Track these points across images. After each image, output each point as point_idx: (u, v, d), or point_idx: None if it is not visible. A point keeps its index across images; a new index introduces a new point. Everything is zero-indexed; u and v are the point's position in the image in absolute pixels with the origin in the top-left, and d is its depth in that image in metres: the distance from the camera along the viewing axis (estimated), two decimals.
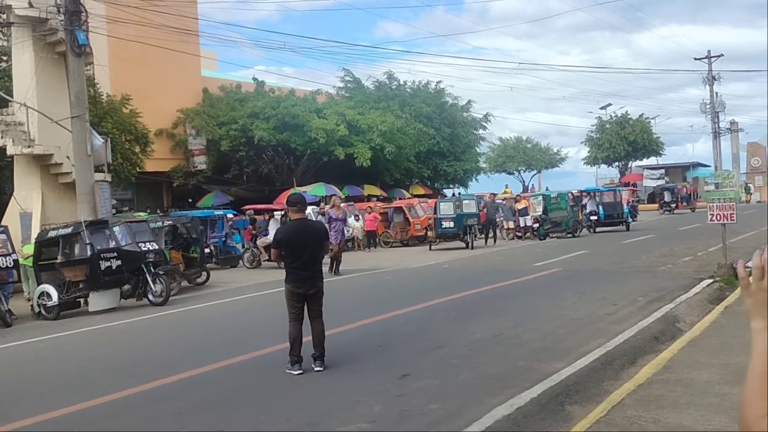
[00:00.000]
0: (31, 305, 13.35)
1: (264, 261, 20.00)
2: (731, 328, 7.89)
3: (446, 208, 24.09)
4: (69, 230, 13.36)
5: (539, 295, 11.91)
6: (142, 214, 21.76)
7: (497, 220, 26.90)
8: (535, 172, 58.47)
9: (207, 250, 18.42)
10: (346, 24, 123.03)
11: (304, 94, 34.82)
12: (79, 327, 11.61)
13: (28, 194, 17.67)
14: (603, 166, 56.73)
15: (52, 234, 13.63)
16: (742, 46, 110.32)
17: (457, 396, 6.11)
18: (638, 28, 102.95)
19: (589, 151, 55.41)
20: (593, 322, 9.12)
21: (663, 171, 52.51)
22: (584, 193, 30.16)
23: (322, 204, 27.18)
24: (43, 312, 12.88)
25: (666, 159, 56.71)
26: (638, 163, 56.07)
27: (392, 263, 19.55)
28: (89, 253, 12.79)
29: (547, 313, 10.03)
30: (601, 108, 56.18)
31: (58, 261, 13.32)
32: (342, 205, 27.86)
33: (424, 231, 26.38)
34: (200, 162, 32.73)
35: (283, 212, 20.45)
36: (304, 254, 7.16)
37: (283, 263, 7.43)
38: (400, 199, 34.64)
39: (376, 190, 37.30)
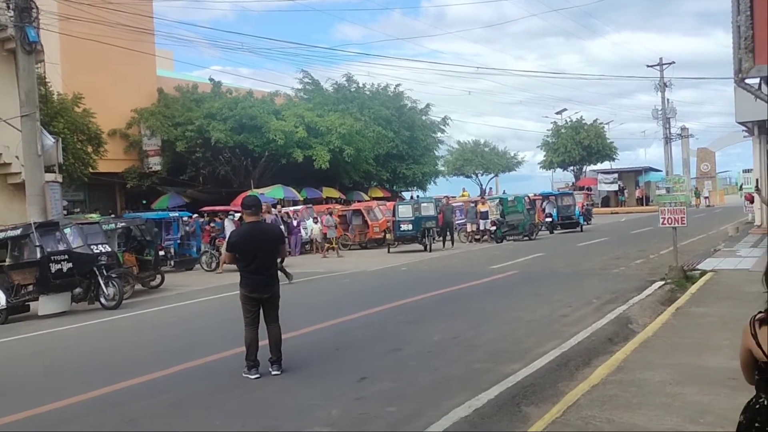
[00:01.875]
0: None
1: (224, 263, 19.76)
2: (682, 329, 8.08)
3: (405, 211, 24.18)
4: (18, 232, 12.99)
5: (496, 297, 12.02)
6: (93, 215, 21.26)
7: (456, 222, 27.15)
8: (492, 175, 59.14)
9: (162, 253, 18.08)
10: (302, 25, 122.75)
11: (262, 96, 34.55)
12: (28, 332, 11.29)
13: None
14: (558, 170, 57.70)
15: (0, 236, 13.22)
16: (690, 53, 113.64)
17: (414, 398, 6.11)
18: (591, 35, 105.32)
19: (545, 156, 56.28)
20: (549, 324, 9.24)
21: (617, 175, 53.66)
22: (541, 197, 30.93)
23: (278, 206, 26.97)
24: None
25: (619, 163, 58.03)
26: (593, 167, 57.20)
27: (351, 266, 19.51)
28: (39, 255, 12.46)
29: (504, 315, 10.13)
30: (557, 113, 57.24)
31: (7, 264, 12.93)
32: (300, 207, 27.84)
33: (383, 234, 26.43)
34: (155, 163, 32.18)
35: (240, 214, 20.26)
36: (258, 258, 7.04)
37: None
38: (358, 201, 34.64)
39: (334, 193, 37.25)
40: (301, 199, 33.18)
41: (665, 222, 12.95)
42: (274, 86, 39.98)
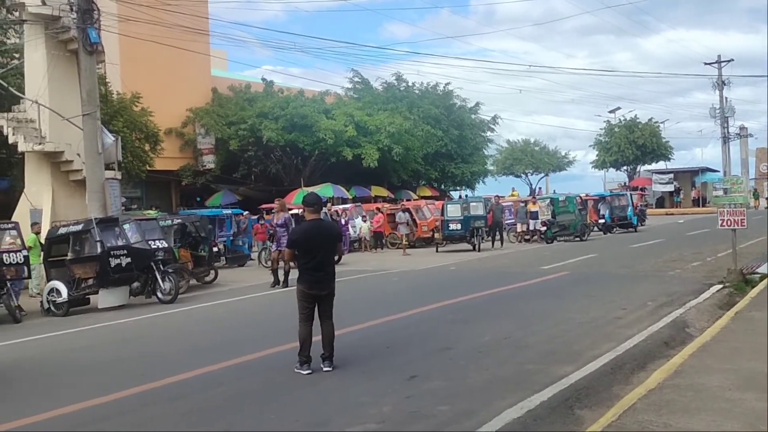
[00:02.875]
0: (41, 302, 13.40)
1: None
2: (742, 333, 7.85)
3: (454, 210, 24.10)
4: (79, 227, 13.42)
5: (547, 298, 11.88)
6: (151, 212, 21.85)
7: (505, 222, 26.96)
8: (542, 175, 58.43)
9: (215, 249, 18.46)
10: (351, 25, 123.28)
11: (313, 95, 34.91)
12: (88, 324, 11.67)
13: (39, 191, 17.75)
14: (611, 169, 56.64)
15: (62, 231, 13.69)
16: (748, 51, 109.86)
17: (466, 398, 6.10)
18: (644, 32, 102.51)
19: (597, 155, 55.32)
20: (602, 326, 9.10)
21: (672, 175, 52.39)
22: (593, 198, 30.61)
23: (329, 205, 27.22)
24: (52, 308, 12.94)
25: (675, 163, 56.63)
26: (647, 167, 55.95)
27: (399, 264, 19.56)
28: (99, 250, 12.84)
29: (555, 316, 10.01)
30: (610, 111, 56.16)
31: (68, 258, 13.37)
32: (349, 206, 28.00)
33: (431, 233, 26.39)
34: (209, 161, 32.89)
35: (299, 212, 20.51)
36: (319, 255, 7.13)
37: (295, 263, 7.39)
38: (407, 200, 34.68)
39: (383, 191, 37.37)
40: (350, 197, 33.41)
41: (724, 224, 12.58)
42: (324, 85, 40.48)
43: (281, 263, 14.83)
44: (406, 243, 23.91)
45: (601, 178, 58.50)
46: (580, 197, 28.08)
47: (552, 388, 6.20)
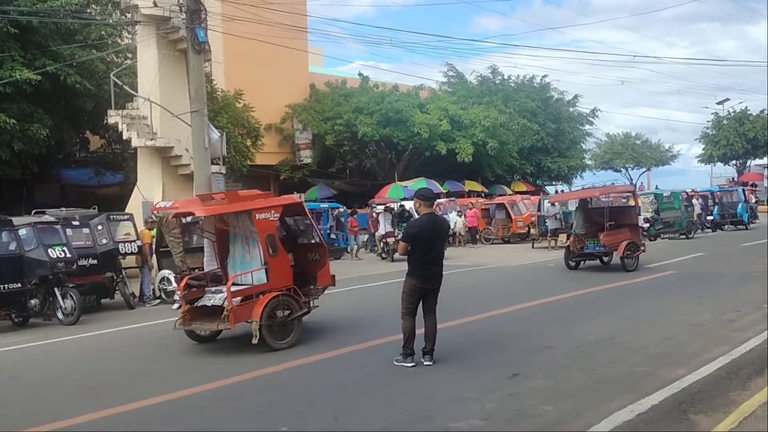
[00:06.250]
0: (153, 289, 14.12)
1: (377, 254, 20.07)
2: None
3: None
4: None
5: (653, 297, 11.46)
6: None
7: None
8: (643, 169, 56.24)
9: None
10: (440, 19, 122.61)
11: (407, 90, 34.99)
12: None
13: (150, 184, 18.69)
14: (719, 164, 53.83)
15: None
16: None
17: (571, 398, 5.97)
18: (752, 19, 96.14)
19: (703, 149, 52.74)
20: (714, 329, 8.68)
21: None
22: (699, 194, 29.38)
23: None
24: (163, 296, 13.60)
25: None
26: (758, 161, 52.85)
27: (494, 260, 19.36)
28: None
29: (663, 317, 9.64)
30: (718, 103, 53.33)
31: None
32: (443, 201, 27.94)
33: (527, 228, 25.95)
34: (306, 156, 33.63)
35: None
36: (434, 249, 7.18)
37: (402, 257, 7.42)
38: (501, 195, 34.26)
39: (477, 186, 37.04)
40: (444, 192, 33.33)
41: None
42: (417, 80, 40.44)
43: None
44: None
45: (707, 173, 55.81)
46: (686, 193, 26.89)
47: (663, 392, 5.98)
